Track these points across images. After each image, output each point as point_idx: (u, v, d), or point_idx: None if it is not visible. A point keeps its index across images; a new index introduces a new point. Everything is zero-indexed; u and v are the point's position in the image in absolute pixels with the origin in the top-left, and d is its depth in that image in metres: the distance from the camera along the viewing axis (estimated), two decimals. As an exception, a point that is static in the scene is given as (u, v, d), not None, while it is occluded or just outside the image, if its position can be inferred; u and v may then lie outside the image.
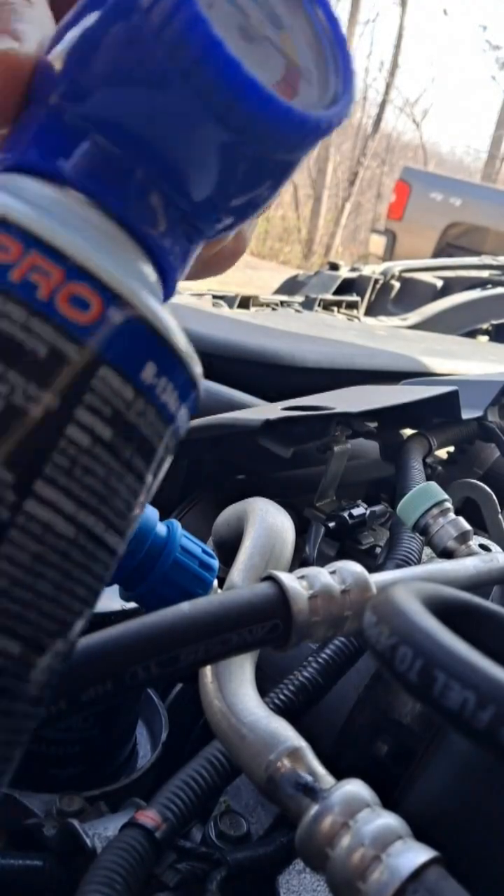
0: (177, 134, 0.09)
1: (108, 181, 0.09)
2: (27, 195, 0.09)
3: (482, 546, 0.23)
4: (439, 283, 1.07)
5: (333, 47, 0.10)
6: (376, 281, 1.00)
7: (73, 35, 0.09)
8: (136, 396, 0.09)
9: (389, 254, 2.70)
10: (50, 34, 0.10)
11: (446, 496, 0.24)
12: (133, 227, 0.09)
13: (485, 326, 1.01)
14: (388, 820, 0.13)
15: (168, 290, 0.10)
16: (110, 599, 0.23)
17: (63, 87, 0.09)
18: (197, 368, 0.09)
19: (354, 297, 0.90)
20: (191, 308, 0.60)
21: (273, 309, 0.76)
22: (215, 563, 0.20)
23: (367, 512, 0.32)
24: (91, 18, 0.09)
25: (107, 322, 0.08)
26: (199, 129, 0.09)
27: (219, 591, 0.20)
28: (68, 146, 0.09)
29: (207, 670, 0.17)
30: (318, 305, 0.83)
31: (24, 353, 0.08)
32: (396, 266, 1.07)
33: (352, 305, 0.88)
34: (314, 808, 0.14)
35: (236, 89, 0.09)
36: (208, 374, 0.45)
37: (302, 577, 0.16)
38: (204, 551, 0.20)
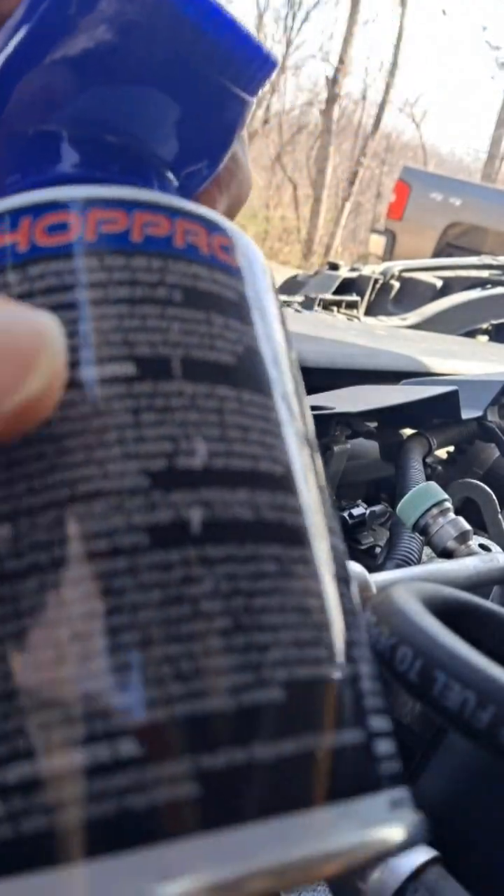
0: (172, 93, 0.09)
1: (123, 168, 0.10)
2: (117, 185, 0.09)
3: (482, 546, 0.23)
4: (439, 283, 1.07)
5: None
6: (376, 281, 1.01)
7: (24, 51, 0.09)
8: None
9: (389, 254, 2.70)
10: None
11: (446, 496, 0.24)
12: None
13: (484, 326, 1.01)
14: (388, 820, 0.13)
15: None
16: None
17: (42, 105, 0.09)
18: None
19: (354, 297, 0.90)
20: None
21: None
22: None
23: (367, 512, 0.32)
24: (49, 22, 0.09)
25: (244, 259, 0.09)
26: (198, 83, 0.09)
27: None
28: (75, 153, 0.10)
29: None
30: (318, 305, 0.83)
31: (227, 302, 0.09)
32: (396, 266, 1.07)
33: (352, 305, 0.88)
34: (314, 809, 0.14)
35: (233, 41, 0.09)
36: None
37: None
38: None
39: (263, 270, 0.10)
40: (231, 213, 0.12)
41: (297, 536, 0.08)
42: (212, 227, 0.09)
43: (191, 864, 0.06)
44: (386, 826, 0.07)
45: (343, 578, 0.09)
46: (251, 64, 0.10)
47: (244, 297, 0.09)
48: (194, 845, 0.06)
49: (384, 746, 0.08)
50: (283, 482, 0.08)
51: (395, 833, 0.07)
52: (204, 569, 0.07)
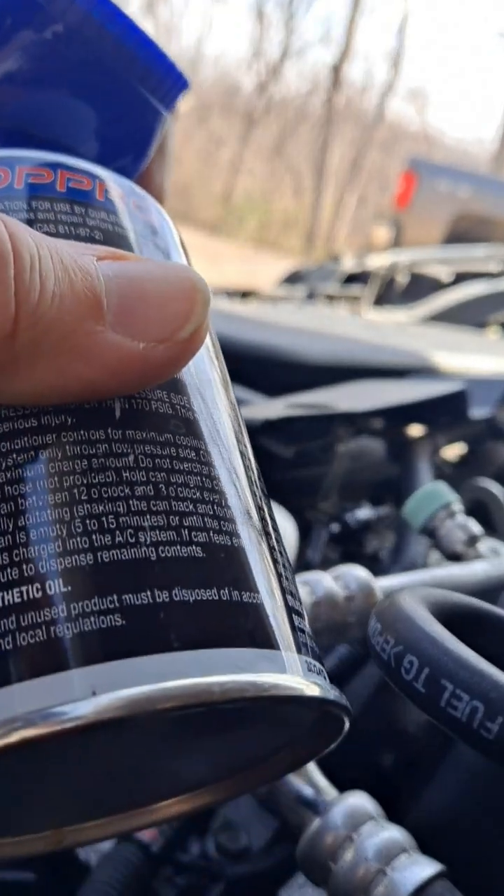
0: (102, 97, 0.11)
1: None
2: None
3: (492, 549, 0.23)
4: (446, 276, 1.05)
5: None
6: (382, 274, 0.99)
7: None
8: None
9: (395, 245, 2.67)
10: None
11: (454, 497, 0.23)
12: None
13: (493, 320, 0.99)
14: (393, 833, 0.13)
15: None
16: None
17: None
18: None
19: (359, 291, 0.89)
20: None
21: (275, 303, 0.75)
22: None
23: (373, 514, 0.32)
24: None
25: (159, 220, 0.11)
26: (124, 95, 0.11)
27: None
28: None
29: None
30: (322, 299, 0.82)
31: (139, 245, 0.10)
32: (403, 258, 1.06)
33: (356, 299, 0.87)
34: (316, 822, 0.13)
35: (160, 66, 0.11)
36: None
37: (304, 583, 0.16)
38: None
39: (172, 229, 0.11)
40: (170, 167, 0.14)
41: (211, 436, 0.09)
42: (129, 190, 0.11)
43: (115, 681, 0.07)
44: (303, 679, 0.08)
45: (254, 481, 0.10)
46: (167, 78, 0.11)
47: (158, 246, 0.11)
48: (119, 666, 0.07)
49: (301, 623, 0.09)
50: (194, 390, 0.09)
51: (311, 688, 0.08)
52: (125, 446, 0.08)
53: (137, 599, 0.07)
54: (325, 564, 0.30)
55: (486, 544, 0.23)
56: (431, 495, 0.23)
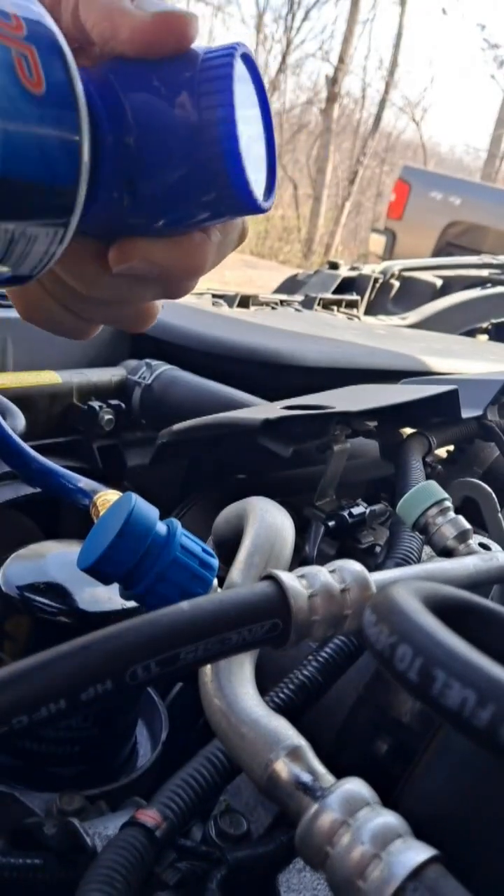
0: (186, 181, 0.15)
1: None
2: None
3: (482, 545, 0.23)
4: (439, 283, 1.07)
5: (271, 149, 0.17)
6: (376, 280, 1.00)
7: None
8: None
9: (389, 253, 2.70)
10: None
11: (446, 495, 0.24)
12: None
13: (484, 325, 1.01)
14: (388, 818, 0.13)
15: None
16: (110, 598, 0.23)
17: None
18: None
19: (354, 297, 0.90)
20: (190, 307, 0.60)
21: (273, 308, 0.76)
22: (215, 562, 0.20)
23: (367, 511, 0.32)
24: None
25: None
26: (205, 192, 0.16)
27: (219, 590, 0.20)
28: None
29: (207, 669, 0.17)
30: (318, 304, 0.83)
31: None
32: (396, 265, 1.07)
33: (351, 304, 0.88)
34: (314, 807, 0.14)
35: (241, 192, 0.15)
36: (208, 374, 0.45)
37: (301, 576, 0.16)
38: (204, 550, 0.20)
39: None
40: (224, 250, 0.18)
41: None
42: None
43: None
44: None
45: None
46: (245, 206, 0.16)
47: None
48: None
49: None
50: None
51: None
52: None
53: None
54: (322, 559, 0.31)
55: (476, 540, 0.23)
56: (423, 493, 0.23)
